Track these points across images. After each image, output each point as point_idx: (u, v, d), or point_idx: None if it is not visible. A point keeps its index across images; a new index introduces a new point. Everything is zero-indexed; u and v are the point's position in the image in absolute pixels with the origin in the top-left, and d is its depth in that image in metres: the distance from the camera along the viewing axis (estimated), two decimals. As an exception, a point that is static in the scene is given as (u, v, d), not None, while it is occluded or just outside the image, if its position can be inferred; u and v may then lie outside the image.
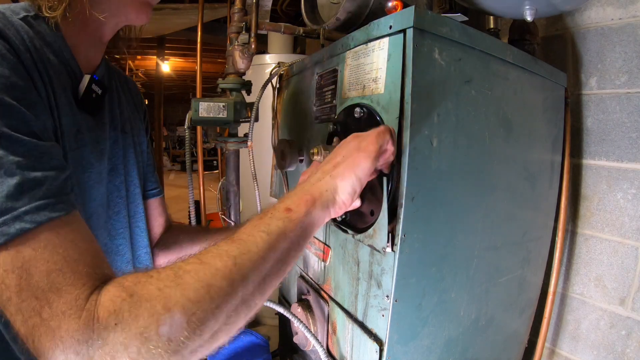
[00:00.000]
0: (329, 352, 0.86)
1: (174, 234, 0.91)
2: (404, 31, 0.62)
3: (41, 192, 0.37)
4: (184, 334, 0.34)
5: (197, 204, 2.48)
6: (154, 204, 0.87)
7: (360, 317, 0.75)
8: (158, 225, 0.89)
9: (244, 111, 1.14)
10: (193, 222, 1.16)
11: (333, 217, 0.53)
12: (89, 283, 0.36)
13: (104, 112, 0.66)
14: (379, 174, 0.65)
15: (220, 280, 0.37)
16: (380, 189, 0.65)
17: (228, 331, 0.39)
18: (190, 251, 0.85)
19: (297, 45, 3.06)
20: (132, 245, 0.74)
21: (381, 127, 0.59)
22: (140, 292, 0.35)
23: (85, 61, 0.61)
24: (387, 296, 0.66)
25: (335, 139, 0.77)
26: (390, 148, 0.57)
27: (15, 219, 0.35)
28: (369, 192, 0.70)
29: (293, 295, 1.09)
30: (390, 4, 0.69)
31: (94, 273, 0.37)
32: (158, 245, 0.89)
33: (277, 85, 1.22)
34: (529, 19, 0.84)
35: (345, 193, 0.51)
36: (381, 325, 0.68)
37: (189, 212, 1.14)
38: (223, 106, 1.08)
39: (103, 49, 0.67)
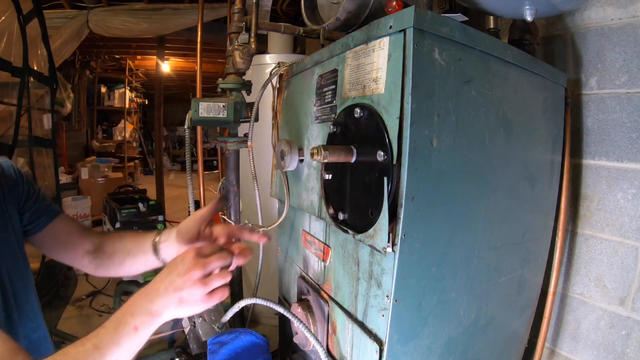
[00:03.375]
0: (329, 352, 0.86)
1: (109, 247, 0.90)
2: (404, 31, 0.62)
3: None
4: None
5: (197, 204, 2.48)
6: (53, 229, 0.85)
7: (360, 317, 0.75)
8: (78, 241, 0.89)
9: (244, 111, 1.14)
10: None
11: None
12: None
13: None
14: (380, 175, 0.66)
15: None
16: (380, 190, 0.65)
17: None
18: (124, 260, 0.88)
19: (297, 45, 3.06)
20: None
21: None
22: None
23: None
24: (387, 296, 0.66)
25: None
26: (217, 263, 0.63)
27: None
28: (369, 192, 0.70)
29: (293, 295, 1.09)
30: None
31: None
32: (96, 255, 0.89)
33: (277, 85, 1.21)
34: (529, 19, 0.84)
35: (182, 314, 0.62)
36: (381, 325, 0.68)
37: (189, 212, 1.14)
38: (223, 106, 1.08)
39: None
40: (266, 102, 1.19)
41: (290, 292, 1.13)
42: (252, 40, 1.05)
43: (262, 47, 2.40)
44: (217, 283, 0.62)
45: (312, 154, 0.69)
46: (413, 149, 0.62)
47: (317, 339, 0.85)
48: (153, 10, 3.23)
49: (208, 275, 0.61)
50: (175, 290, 0.60)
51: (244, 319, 1.42)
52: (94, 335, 0.60)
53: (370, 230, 0.67)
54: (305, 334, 0.85)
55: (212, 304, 0.62)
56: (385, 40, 0.66)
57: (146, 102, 8.26)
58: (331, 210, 0.81)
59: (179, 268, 0.61)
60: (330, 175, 0.82)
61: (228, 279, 0.64)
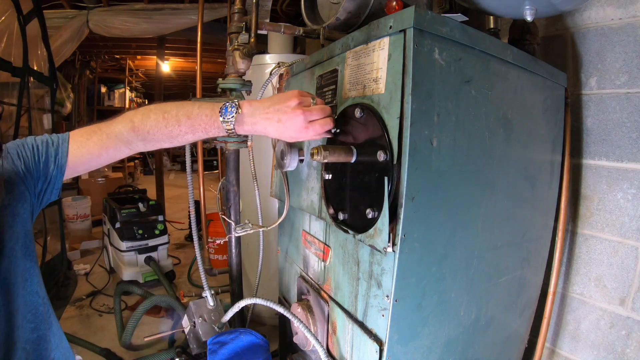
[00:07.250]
0: (329, 352, 0.86)
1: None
2: (404, 31, 0.62)
3: None
4: None
5: (197, 204, 2.48)
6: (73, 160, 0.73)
7: (360, 317, 0.75)
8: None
9: (244, 111, 1.13)
10: (193, 222, 1.16)
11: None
12: None
13: None
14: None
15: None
16: (380, 190, 0.65)
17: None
18: None
19: (297, 45, 3.06)
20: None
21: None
22: None
23: None
24: (387, 296, 0.66)
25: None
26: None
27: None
28: (369, 192, 0.70)
29: (293, 295, 1.09)
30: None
31: None
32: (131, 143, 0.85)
33: (277, 85, 1.21)
34: (529, 19, 0.84)
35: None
36: (381, 325, 0.68)
37: (189, 212, 1.14)
38: (223, 106, 1.08)
39: None
40: (266, 102, 1.19)
41: (290, 292, 1.13)
42: (252, 40, 1.05)
43: (262, 47, 2.40)
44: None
45: (312, 154, 0.69)
46: (413, 149, 0.62)
47: (317, 339, 0.85)
48: (153, 10, 3.23)
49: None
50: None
51: (244, 319, 1.42)
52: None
53: (371, 230, 0.67)
54: (305, 334, 0.85)
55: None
56: (385, 40, 0.66)
57: (146, 102, 8.27)
58: (331, 210, 0.81)
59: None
60: (330, 175, 0.82)
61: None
